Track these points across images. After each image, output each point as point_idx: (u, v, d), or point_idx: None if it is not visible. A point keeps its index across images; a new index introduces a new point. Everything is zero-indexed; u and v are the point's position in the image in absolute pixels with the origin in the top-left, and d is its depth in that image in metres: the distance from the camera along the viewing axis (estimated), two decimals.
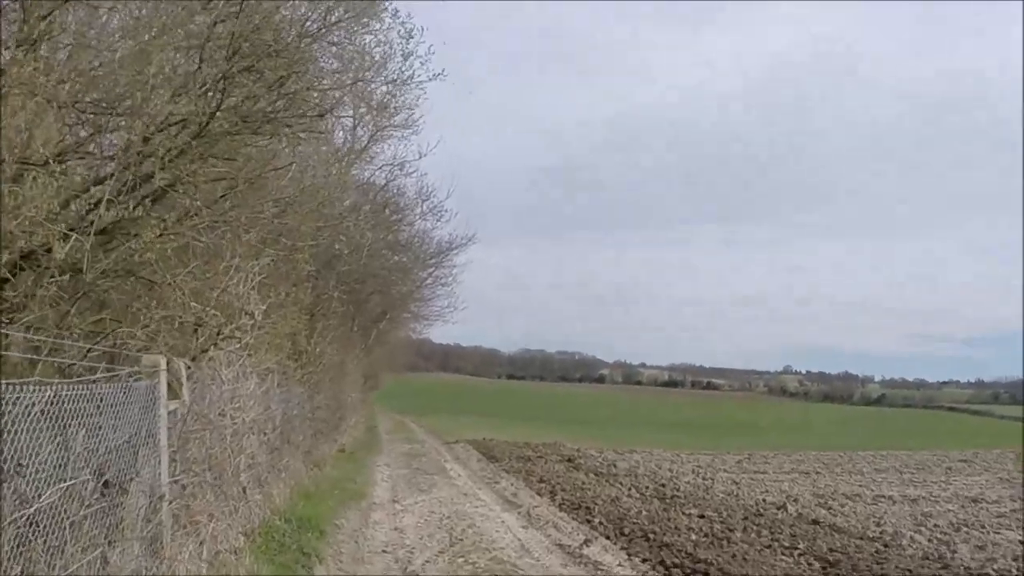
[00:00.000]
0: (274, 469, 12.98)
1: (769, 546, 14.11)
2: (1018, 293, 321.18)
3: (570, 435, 47.57)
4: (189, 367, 9.15)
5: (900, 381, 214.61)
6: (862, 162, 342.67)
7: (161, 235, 9.64)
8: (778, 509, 19.30)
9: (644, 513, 17.26)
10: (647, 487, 22.49)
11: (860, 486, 26.53)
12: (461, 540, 13.88)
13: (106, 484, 5.56)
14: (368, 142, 23.59)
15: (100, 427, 5.57)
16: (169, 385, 8.70)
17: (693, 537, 14.61)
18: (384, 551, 12.68)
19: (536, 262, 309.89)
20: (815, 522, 17.34)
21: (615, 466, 28.79)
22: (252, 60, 10.22)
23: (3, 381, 4.37)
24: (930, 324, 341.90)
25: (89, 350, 6.71)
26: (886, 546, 14.77)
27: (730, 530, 15.57)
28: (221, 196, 12.26)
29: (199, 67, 10.10)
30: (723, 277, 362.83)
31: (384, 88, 13.75)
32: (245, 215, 13.03)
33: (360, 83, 12.05)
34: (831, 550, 13.94)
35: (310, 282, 18.98)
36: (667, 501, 19.63)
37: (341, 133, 21.81)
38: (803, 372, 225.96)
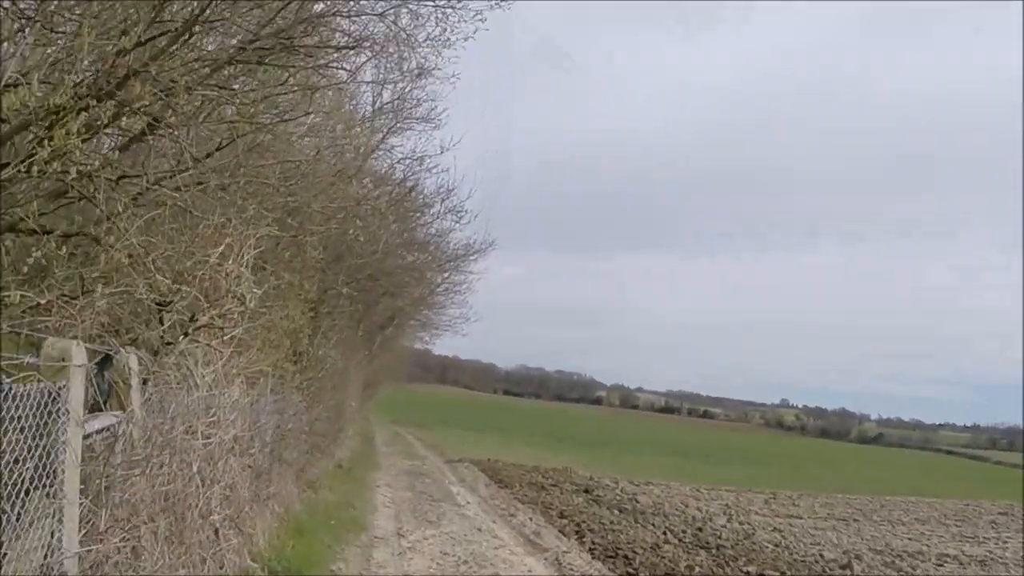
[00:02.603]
0: (259, 499, 10.19)
1: None
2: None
3: (576, 458, 45.16)
4: (143, 363, 6.45)
5: (896, 421, 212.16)
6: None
7: (121, 179, 6.95)
8: (843, 568, 16.56)
9: (697, 570, 14.48)
10: (683, 531, 19.72)
11: (910, 539, 23.89)
12: None
13: None
14: (387, 133, 21.04)
15: None
16: (114, 387, 5.99)
17: None
18: None
19: (534, 278, 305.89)
20: None
21: (637, 500, 26.02)
22: None
23: None
24: (925, 367, 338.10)
25: None
26: None
27: None
28: (217, 148, 9.62)
29: None
30: (720, 303, 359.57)
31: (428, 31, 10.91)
32: (245, 178, 10.38)
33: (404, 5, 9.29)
34: None
35: (317, 274, 16.28)
36: (713, 553, 16.86)
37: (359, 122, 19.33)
38: (799, 406, 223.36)
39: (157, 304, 6.63)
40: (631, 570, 14.22)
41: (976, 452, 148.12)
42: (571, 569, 13.84)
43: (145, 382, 6.51)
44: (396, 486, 23.25)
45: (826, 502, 33.97)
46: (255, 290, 8.12)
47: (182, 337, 6.94)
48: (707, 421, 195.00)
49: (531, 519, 19.47)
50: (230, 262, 8.08)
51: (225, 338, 8.02)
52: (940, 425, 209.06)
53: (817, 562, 17.05)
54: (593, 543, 16.65)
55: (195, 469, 7.09)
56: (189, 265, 7.01)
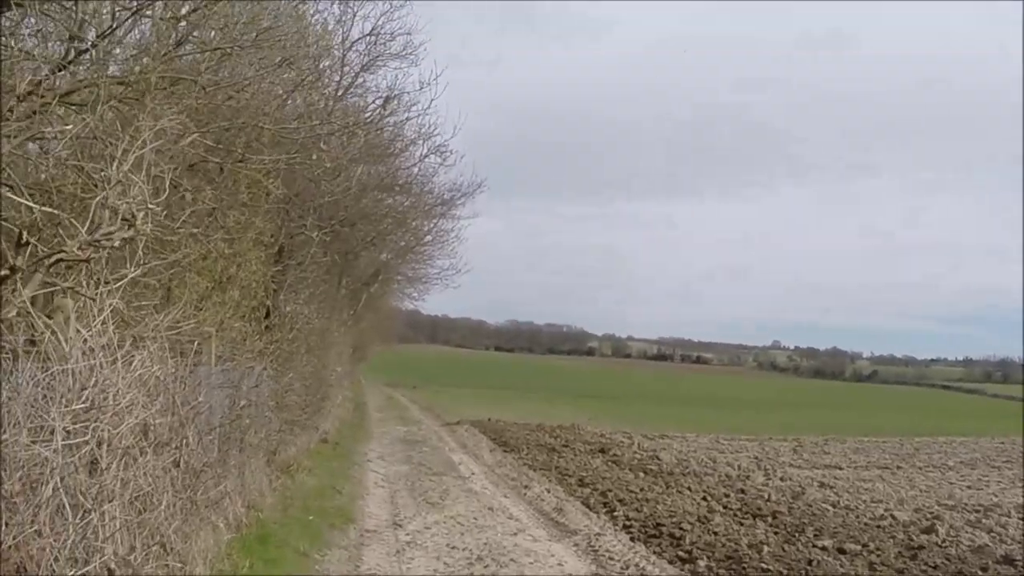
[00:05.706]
0: (195, 508, 7.37)
1: None
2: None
3: (578, 412, 42.96)
4: None
5: (889, 358, 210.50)
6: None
7: None
8: (925, 532, 13.95)
9: (766, 550, 11.79)
10: (725, 495, 17.08)
11: (971, 488, 21.34)
12: None
13: None
14: (360, 71, 18.10)
15: None
16: None
17: None
18: None
19: (519, 231, 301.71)
20: (1008, 560, 11.96)
21: (659, 458, 23.40)
22: None
23: None
24: (912, 300, 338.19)
25: None
26: None
27: None
28: (111, 28, 6.90)
29: None
30: (709, 251, 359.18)
31: None
32: (158, 73, 7.57)
33: None
34: None
35: (277, 212, 13.39)
36: (770, 522, 14.21)
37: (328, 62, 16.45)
38: (791, 347, 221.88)
39: None
40: (683, 553, 11.55)
41: (972, 386, 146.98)
42: (611, 558, 11.16)
43: None
44: (390, 459, 20.56)
45: (856, 447, 31.47)
46: (151, 205, 5.28)
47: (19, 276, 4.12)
48: (701, 366, 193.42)
49: (548, 490, 16.81)
50: (114, 167, 5.25)
51: (108, 284, 5.20)
52: (933, 360, 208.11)
53: (892, 525, 14.40)
54: (628, 518, 14.01)
55: (48, 492, 4.30)
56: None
